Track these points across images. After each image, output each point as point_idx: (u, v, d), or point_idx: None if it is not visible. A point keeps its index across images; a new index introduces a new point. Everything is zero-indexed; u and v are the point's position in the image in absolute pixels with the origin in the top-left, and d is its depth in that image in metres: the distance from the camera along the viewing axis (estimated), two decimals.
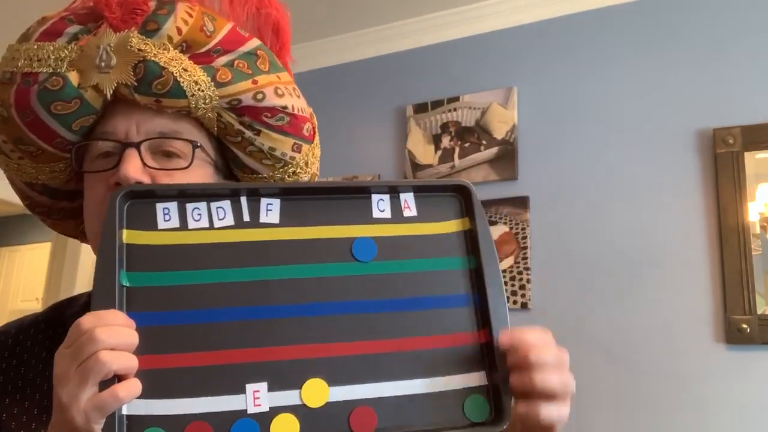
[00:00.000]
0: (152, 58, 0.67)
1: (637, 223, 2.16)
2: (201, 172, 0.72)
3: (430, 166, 2.50)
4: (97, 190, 0.68)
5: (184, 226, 0.60)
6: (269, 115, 0.72)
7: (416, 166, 2.53)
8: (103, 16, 0.69)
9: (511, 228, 2.31)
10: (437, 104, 2.54)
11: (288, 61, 0.82)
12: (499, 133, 2.40)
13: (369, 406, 0.58)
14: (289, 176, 0.77)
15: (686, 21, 2.24)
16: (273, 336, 0.58)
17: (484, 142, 2.42)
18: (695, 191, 2.11)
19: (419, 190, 0.66)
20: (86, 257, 3.72)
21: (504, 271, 2.33)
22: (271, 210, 0.62)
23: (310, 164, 0.79)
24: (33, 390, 0.69)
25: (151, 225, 0.60)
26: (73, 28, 0.69)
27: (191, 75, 0.68)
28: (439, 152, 2.49)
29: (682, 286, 2.06)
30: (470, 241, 0.65)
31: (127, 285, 0.57)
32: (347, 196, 0.64)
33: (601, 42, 2.35)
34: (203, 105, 0.69)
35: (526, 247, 2.27)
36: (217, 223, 0.61)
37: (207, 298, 0.58)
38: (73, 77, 0.67)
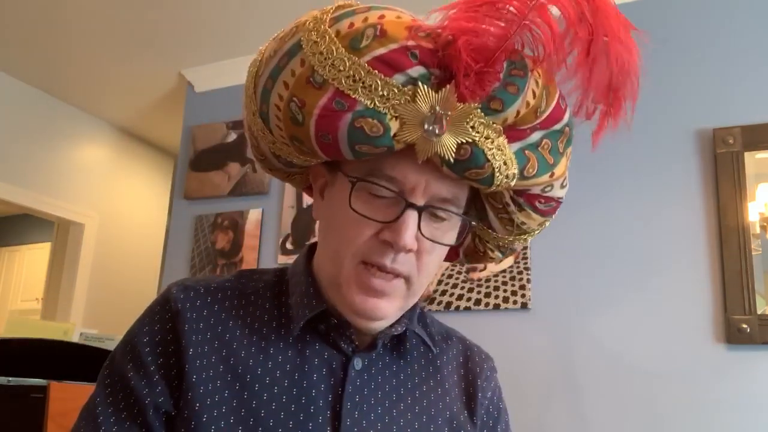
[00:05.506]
0: (481, 146, 0.63)
1: (637, 223, 2.16)
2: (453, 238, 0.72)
3: None
4: (362, 231, 0.67)
5: None
6: (543, 201, 0.72)
7: None
8: (453, 75, 0.62)
9: None
10: None
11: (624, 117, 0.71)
12: None
13: None
14: (520, 240, 0.78)
15: (686, 21, 2.24)
16: None
17: None
18: (695, 191, 2.11)
19: None
20: (86, 257, 3.72)
21: (504, 271, 2.33)
22: None
23: (539, 231, 0.80)
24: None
25: None
26: (415, 71, 0.62)
27: (508, 168, 0.65)
28: None
29: (682, 286, 2.06)
30: None
31: None
32: None
33: None
34: (497, 188, 0.67)
35: (526, 247, 2.27)
36: None
37: None
38: (393, 127, 0.62)
